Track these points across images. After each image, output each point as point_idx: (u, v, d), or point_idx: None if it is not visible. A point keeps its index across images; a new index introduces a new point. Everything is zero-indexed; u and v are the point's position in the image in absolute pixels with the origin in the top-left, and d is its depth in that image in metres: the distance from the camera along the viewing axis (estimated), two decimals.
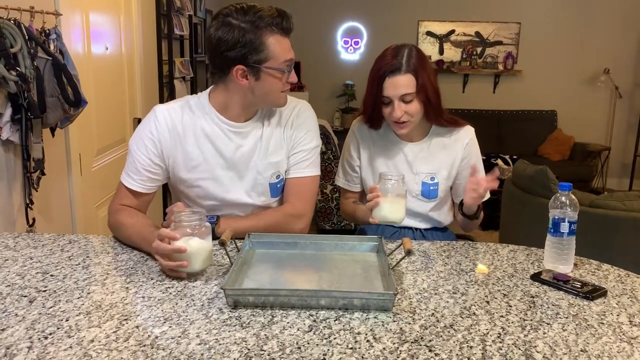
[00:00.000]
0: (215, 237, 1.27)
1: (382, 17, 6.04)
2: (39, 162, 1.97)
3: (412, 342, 0.95)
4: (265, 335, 0.96)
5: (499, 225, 3.42)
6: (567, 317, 1.06)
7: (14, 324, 0.99)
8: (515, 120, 5.99)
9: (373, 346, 0.93)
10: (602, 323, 1.05)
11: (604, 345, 0.96)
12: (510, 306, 1.11)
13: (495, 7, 6.00)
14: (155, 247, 1.19)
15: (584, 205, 2.58)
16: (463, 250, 1.44)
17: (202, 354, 0.90)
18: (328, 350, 0.92)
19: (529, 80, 6.11)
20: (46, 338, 0.94)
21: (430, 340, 0.96)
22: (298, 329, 0.99)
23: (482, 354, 0.92)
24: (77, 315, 1.03)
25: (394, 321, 1.03)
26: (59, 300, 1.09)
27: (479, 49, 6.10)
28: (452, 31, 6.08)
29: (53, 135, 2.13)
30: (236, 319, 1.02)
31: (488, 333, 0.99)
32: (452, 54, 6.12)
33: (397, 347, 0.93)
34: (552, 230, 1.30)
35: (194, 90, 4.44)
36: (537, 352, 0.93)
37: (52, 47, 2.01)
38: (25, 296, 1.11)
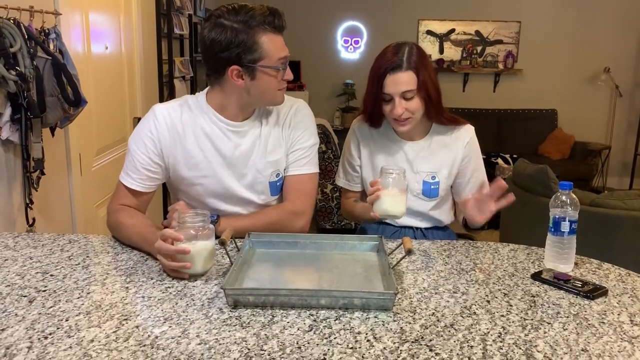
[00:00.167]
0: (215, 236, 1.27)
1: (382, 16, 6.03)
2: (39, 162, 1.97)
3: (412, 342, 0.95)
4: (266, 335, 0.96)
5: (499, 225, 3.42)
6: (567, 317, 1.06)
7: (14, 324, 0.99)
8: (516, 119, 5.98)
9: (373, 346, 0.93)
10: (603, 322, 1.04)
11: (604, 344, 0.96)
12: (511, 305, 1.10)
13: (496, 6, 5.99)
14: (158, 247, 1.19)
15: (584, 205, 2.58)
16: (463, 249, 1.44)
17: (202, 354, 0.90)
18: (328, 350, 0.92)
19: (529, 79, 6.10)
20: (46, 338, 0.94)
21: (430, 340, 0.96)
22: (298, 329, 0.99)
23: (483, 353, 0.92)
24: (77, 315, 1.02)
25: (395, 321, 1.02)
26: (59, 300, 1.09)
27: (479, 48, 6.09)
28: (452, 30, 6.07)
29: (53, 135, 2.13)
30: (236, 318, 1.02)
31: (489, 332, 0.99)
32: (452, 53, 6.12)
33: (398, 347, 0.93)
34: (552, 230, 1.29)
35: (193, 90, 4.44)
36: (538, 351, 0.93)
37: (51, 46, 2.01)
38: (25, 296, 1.10)
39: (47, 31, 2.02)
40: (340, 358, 0.89)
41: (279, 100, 1.48)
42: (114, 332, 0.96)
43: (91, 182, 2.58)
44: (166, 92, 3.76)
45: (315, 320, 1.02)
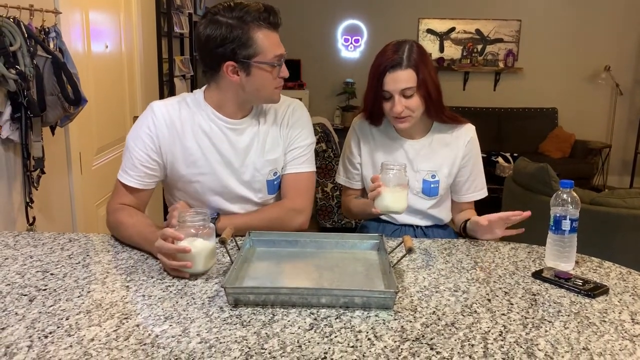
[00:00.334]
0: (216, 234, 1.27)
1: (382, 14, 6.03)
2: (39, 161, 1.96)
3: (413, 341, 0.95)
4: (266, 333, 0.96)
5: None
6: (568, 315, 1.06)
7: (14, 323, 0.99)
8: (516, 118, 5.98)
9: (374, 344, 0.93)
10: (604, 321, 1.04)
11: (605, 343, 0.96)
12: (512, 304, 1.10)
13: (496, 4, 5.99)
14: (159, 246, 1.19)
15: (584, 203, 2.58)
16: (464, 248, 1.44)
17: (202, 353, 0.90)
18: (329, 348, 0.92)
19: (529, 78, 6.10)
20: (46, 337, 0.94)
21: (431, 339, 0.96)
22: (299, 327, 0.98)
23: (484, 352, 0.92)
24: (77, 314, 1.02)
25: (395, 319, 1.02)
26: (59, 299, 1.08)
27: (479, 47, 6.09)
28: (453, 29, 6.07)
29: (53, 134, 2.13)
30: (237, 317, 1.02)
31: (490, 331, 0.99)
32: (452, 51, 6.11)
33: (399, 346, 0.93)
34: (553, 228, 1.29)
35: (194, 88, 4.42)
36: (539, 350, 0.93)
37: (51, 45, 2.01)
38: (25, 295, 1.10)
39: (47, 30, 2.02)
40: (341, 357, 0.89)
41: (275, 98, 1.49)
42: (114, 330, 0.96)
43: (91, 181, 2.58)
44: (166, 91, 3.76)
45: (316, 319, 1.02)
